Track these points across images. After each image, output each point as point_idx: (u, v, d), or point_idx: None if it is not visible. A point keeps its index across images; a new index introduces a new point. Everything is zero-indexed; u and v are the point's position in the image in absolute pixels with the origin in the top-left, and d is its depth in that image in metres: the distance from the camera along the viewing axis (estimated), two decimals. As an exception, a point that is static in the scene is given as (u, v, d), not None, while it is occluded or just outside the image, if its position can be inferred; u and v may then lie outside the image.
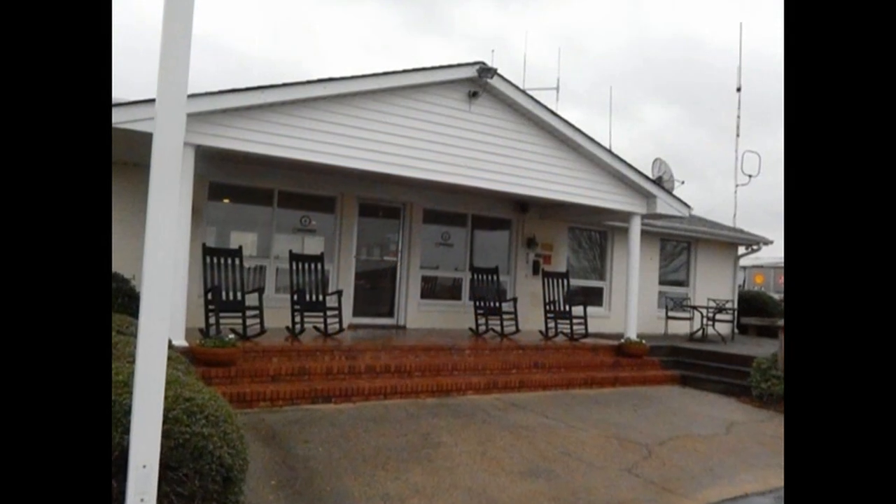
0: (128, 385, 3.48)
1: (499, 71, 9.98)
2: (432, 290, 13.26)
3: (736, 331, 16.39)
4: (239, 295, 9.30)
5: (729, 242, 17.43)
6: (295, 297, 10.02)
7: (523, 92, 10.63)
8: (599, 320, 13.95)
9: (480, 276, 12.45)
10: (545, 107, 10.70)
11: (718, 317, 14.97)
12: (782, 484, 6.01)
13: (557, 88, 20.49)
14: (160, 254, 3.24)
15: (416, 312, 12.76)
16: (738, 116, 21.43)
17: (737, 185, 20.57)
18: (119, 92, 7.11)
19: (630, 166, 11.62)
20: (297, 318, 9.90)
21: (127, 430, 3.24)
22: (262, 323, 9.16)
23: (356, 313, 12.13)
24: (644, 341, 11.86)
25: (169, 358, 3.64)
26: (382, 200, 12.54)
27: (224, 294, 9.18)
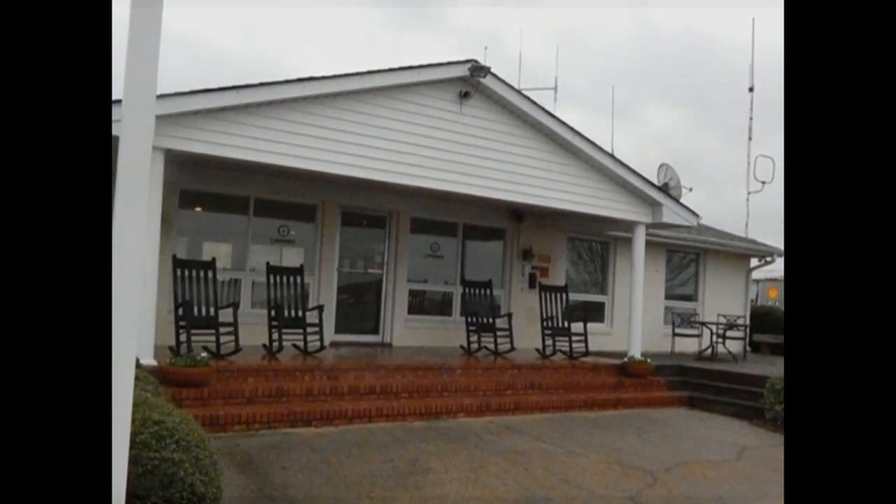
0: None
1: (492, 69, 10.06)
2: (421, 305, 13.29)
3: (748, 349, 16.46)
4: (212, 310, 9.31)
5: (740, 254, 17.52)
6: (272, 312, 10.03)
7: (518, 92, 10.71)
8: (601, 337, 13.99)
9: (472, 290, 12.48)
10: (542, 108, 10.78)
11: (729, 334, 15.03)
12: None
13: (555, 88, 20.68)
14: (127, 266, 3.27)
15: (403, 329, 12.78)
16: (751, 118, 21.61)
17: (749, 193, 20.72)
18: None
19: (634, 172, 11.71)
20: (275, 336, 9.91)
21: (91, 455, 3.26)
22: (237, 340, 9.16)
23: (338, 330, 12.14)
24: (649, 360, 11.92)
25: (137, 378, 3.67)
26: (367, 209, 12.59)
27: (196, 309, 9.18)
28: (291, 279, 10.45)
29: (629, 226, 12.35)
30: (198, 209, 11.41)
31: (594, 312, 14.87)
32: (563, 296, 12.73)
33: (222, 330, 9.12)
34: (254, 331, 10.27)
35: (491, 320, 12.10)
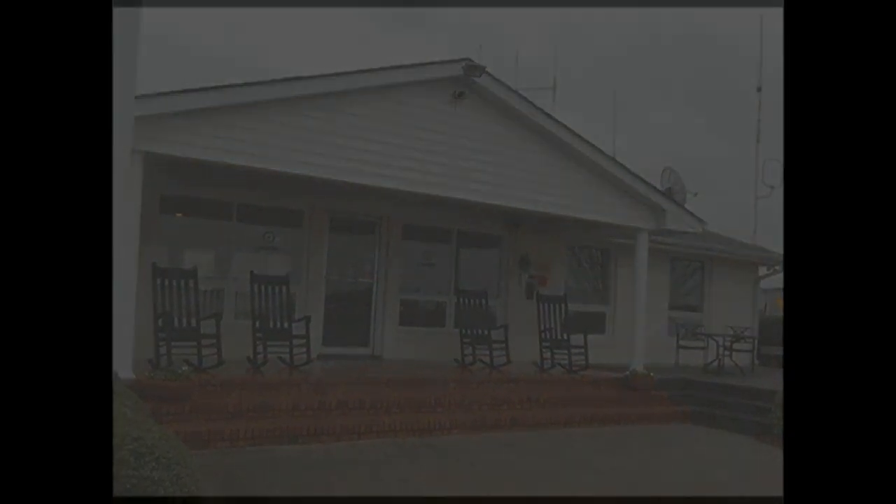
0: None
1: (488, 69, 10.10)
2: (413, 315, 13.29)
3: (756, 362, 16.46)
4: (193, 321, 9.31)
5: (748, 262, 17.57)
6: (257, 323, 10.02)
7: (515, 92, 10.75)
8: (601, 350, 13.96)
9: (467, 301, 12.50)
10: (540, 109, 10.82)
11: (736, 346, 15.04)
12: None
13: (554, 89, 20.80)
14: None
15: (395, 341, 12.78)
16: (759, 120, 21.68)
17: (757, 198, 20.78)
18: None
19: (636, 176, 11.75)
20: (260, 348, 9.90)
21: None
22: (219, 353, 9.16)
23: (326, 342, 12.11)
24: (652, 374, 11.92)
25: (115, 392, 3.68)
26: (356, 214, 12.60)
27: (177, 320, 9.18)
28: (277, 289, 10.44)
29: (631, 232, 12.39)
30: (179, 215, 11.41)
31: (595, 323, 14.86)
32: (563, 306, 12.75)
33: (204, 342, 9.12)
34: (237, 343, 10.24)
35: (486, 332, 12.11)
